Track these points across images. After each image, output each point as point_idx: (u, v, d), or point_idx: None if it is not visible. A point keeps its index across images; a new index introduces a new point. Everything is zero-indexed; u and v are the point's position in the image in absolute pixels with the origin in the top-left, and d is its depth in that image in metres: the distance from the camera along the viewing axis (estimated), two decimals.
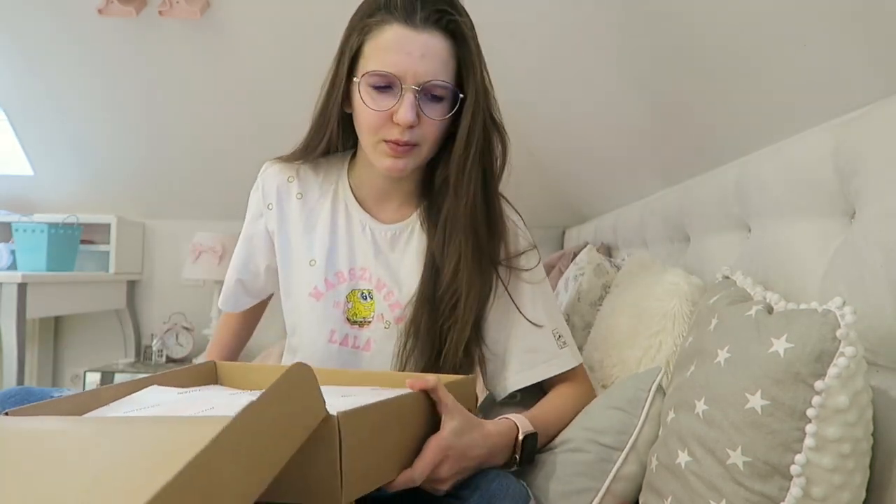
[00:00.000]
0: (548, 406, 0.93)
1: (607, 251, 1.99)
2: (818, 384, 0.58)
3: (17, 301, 2.25)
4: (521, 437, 0.82)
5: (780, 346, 0.60)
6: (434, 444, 0.71)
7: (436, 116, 0.87)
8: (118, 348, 3.01)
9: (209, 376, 0.94)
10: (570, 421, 0.91)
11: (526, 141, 2.28)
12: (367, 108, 0.87)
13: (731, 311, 0.73)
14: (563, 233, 2.90)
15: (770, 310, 0.69)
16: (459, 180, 0.90)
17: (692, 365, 0.74)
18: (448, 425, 0.73)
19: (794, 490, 0.58)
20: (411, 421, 0.71)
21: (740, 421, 0.62)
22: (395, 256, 0.99)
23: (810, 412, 0.58)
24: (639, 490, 0.82)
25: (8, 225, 2.73)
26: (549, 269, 2.05)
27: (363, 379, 0.86)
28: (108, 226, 2.85)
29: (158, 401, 0.73)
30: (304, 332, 1.00)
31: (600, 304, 1.40)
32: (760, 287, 0.78)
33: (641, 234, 1.67)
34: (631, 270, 1.32)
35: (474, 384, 0.89)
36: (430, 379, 0.73)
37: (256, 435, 0.46)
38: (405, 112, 0.84)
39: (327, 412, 0.56)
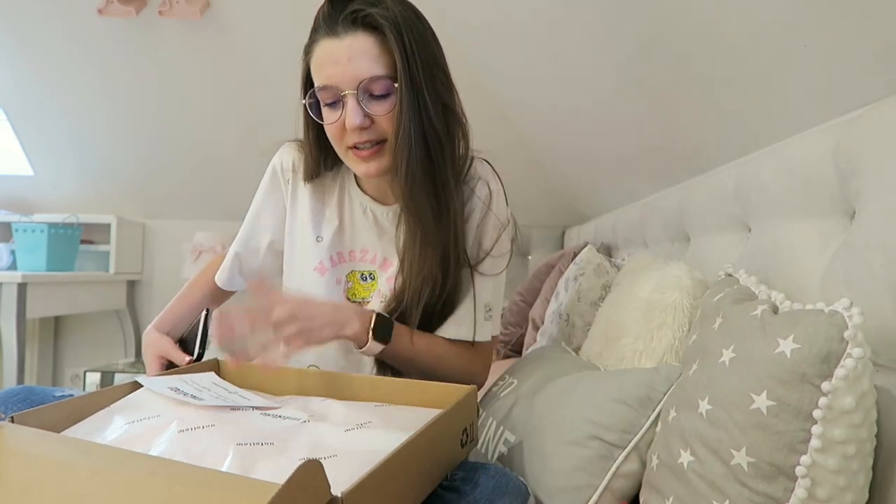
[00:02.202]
0: (431, 339, 0.97)
1: (607, 251, 1.99)
2: (825, 385, 0.57)
3: (17, 301, 2.25)
4: (374, 313, 0.90)
5: (786, 346, 0.60)
6: (277, 301, 0.80)
7: (384, 112, 0.88)
8: (118, 348, 3.01)
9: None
10: (436, 368, 0.95)
11: (526, 140, 2.28)
12: (325, 125, 0.92)
13: (735, 311, 0.73)
14: (563, 233, 2.90)
15: (775, 309, 0.69)
16: (399, 168, 0.90)
17: (695, 363, 0.74)
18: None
19: (799, 491, 0.58)
20: (415, 470, 0.66)
21: (745, 421, 0.62)
22: (399, 234, 1.00)
23: (816, 413, 0.58)
24: (638, 486, 0.81)
25: (8, 225, 2.73)
26: (549, 269, 2.05)
27: (360, 388, 0.86)
28: (108, 226, 2.85)
29: (159, 411, 0.73)
30: None
31: (600, 304, 1.40)
32: (765, 286, 0.78)
33: (641, 234, 1.67)
34: (632, 269, 1.33)
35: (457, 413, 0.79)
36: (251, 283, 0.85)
37: None
38: (350, 117, 0.87)
39: (331, 495, 0.53)
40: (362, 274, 1.02)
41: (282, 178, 1.07)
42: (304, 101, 0.93)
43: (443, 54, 0.93)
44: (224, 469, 0.59)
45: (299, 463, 0.49)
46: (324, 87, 0.88)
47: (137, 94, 2.45)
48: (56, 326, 3.07)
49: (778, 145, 1.00)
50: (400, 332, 0.93)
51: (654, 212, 1.58)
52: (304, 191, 1.05)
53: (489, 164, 1.02)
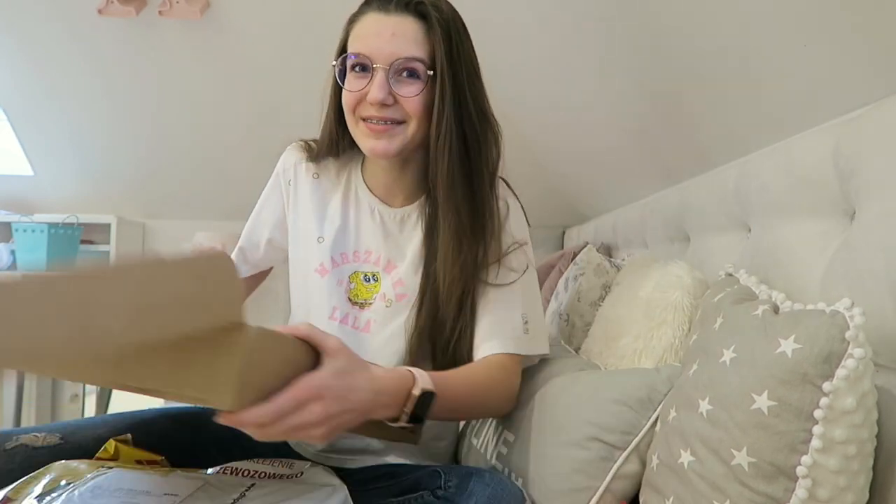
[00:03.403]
0: (465, 374, 0.88)
1: (607, 251, 1.99)
2: (826, 385, 0.57)
3: None
4: (416, 391, 0.74)
5: (787, 346, 0.60)
6: (304, 382, 0.62)
7: (409, 94, 0.88)
8: None
9: None
10: (478, 405, 0.89)
11: (526, 141, 2.28)
12: (344, 90, 0.91)
13: (736, 311, 0.73)
14: (563, 233, 2.90)
15: (776, 309, 0.69)
16: (436, 168, 0.90)
17: (695, 363, 0.74)
18: (329, 364, 0.66)
19: (800, 491, 0.58)
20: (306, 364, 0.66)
21: (746, 421, 0.62)
22: (404, 237, 1.00)
23: (817, 413, 0.57)
24: (637, 486, 0.81)
25: (8, 225, 2.73)
26: (549, 269, 2.05)
27: None
28: (108, 226, 2.85)
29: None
30: (310, 308, 1.02)
31: (600, 304, 1.40)
32: (765, 286, 0.78)
33: (641, 234, 1.67)
34: (632, 269, 1.33)
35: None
36: (301, 327, 0.67)
37: (149, 288, 0.46)
38: (375, 90, 0.86)
39: (246, 322, 0.54)
40: (365, 275, 1.01)
41: (283, 178, 1.07)
42: (334, 64, 0.92)
43: (480, 71, 0.95)
44: None
45: None
46: (358, 54, 0.88)
47: (137, 95, 2.44)
48: None
49: (778, 145, 1.00)
50: (439, 402, 0.78)
51: (654, 212, 1.58)
52: (307, 190, 1.04)
53: (506, 182, 1.02)
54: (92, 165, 2.80)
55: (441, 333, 0.93)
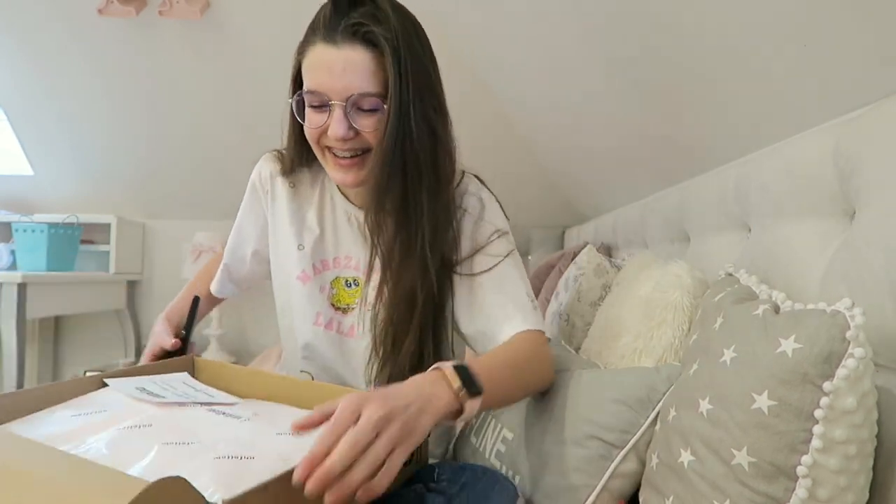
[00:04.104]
0: (499, 351, 0.86)
1: (607, 251, 1.99)
2: (826, 385, 0.57)
3: (17, 301, 2.25)
4: (446, 368, 0.70)
5: (788, 346, 0.60)
6: (346, 397, 0.59)
7: (369, 128, 0.87)
8: (118, 348, 3.01)
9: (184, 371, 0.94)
10: (521, 376, 0.83)
11: (526, 141, 2.28)
12: (305, 126, 0.91)
13: (737, 310, 0.73)
14: (563, 233, 2.90)
15: (777, 309, 0.69)
16: (381, 184, 0.88)
17: (695, 363, 0.74)
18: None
19: (800, 491, 0.58)
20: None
21: (746, 421, 0.62)
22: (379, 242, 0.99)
23: (818, 413, 0.57)
24: (635, 485, 0.81)
25: (8, 225, 2.73)
26: (549, 269, 2.05)
27: (317, 394, 0.82)
28: (108, 226, 2.86)
29: (106, 406, 0.73)
30: (294, 315, 1.04)
31: (600, 304, 1.40)
32: (765, 286, 0.78)
33: (641, 234, 1.67)
34: (632, 268, 1.33)
35: None
36: (314, 415, 0.60)
37: None
38: (334, 128, 0.86)
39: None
40: (347, 280, 1.03)
41: (260, 189, 1.08)
42: (290, 100, 0.92)
43: (439, 77, 0.92)
44: (141, 466, 0.56)
45: (214, 462, 0.47)
46: (313, 92, 0.87)
47: (137, 95, 2.45)
48: (56, 326, 3.07)
49: (778, 145, 1.00)
50: (479, 373, 0.73)
51: (654, 212, 1.58)
52: (284, 199, 1.05)
53: (479, 178, 1.03)
54: (92, 165, 2.80)
55: (404, 336, 0.92)
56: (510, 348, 0.87)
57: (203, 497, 0.48)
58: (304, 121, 0.91)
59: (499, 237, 0.98)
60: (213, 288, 1.20)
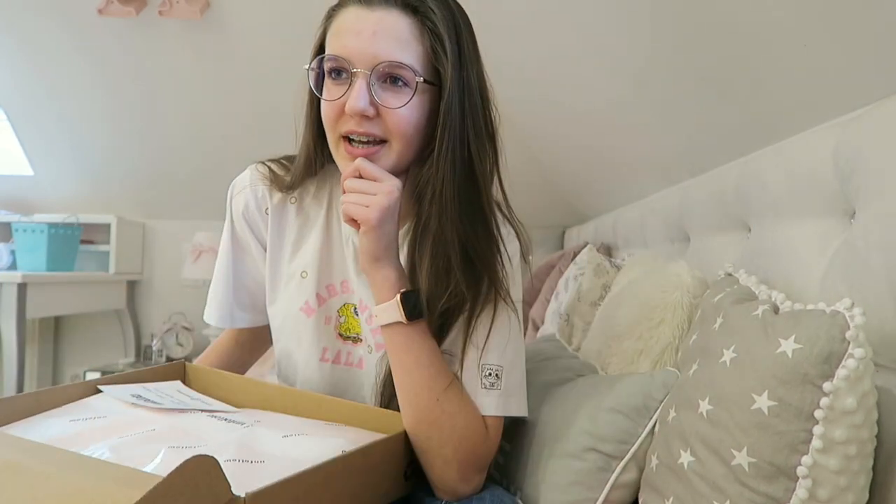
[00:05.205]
0: (444, 375, 0.76)
1: (607, 251, 1.99)
2: (826, 385, 0.57)
3: (17, 301, 2.25)
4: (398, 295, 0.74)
5: (787, 346, 0.60)
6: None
7: (393, 105, 0.74)
8: (118, 348, 3.01)
9: (176, 377, 0.92)
10: (430, 379, 0.75)
11: (526, 141, 2.28)
12: (322, 101, 0.78)
13: (736, 311, 0.73)
14: (563, 233, 2.90)
15: (776, 309, 0.69)
16: (434, 193, 0.76)
17: (695, 363, 0.74)
18: None
19: (800, 491, 0.58)
20: (341, 489, 0.62)
21: (746, 422, 0.62)
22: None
23: (818, 413, 0.58)
24: (635, 493, 0.80)
25: (8, 225, 2.73)
26: (549, 269, 2.05)
27: (330, 410, 0.80)
28: (108, 226, 2.85)
29: (107, 412, 0.72)
30: (296, 350, 0.90)
31: (600, 304, 1.40)
32: (765, 286, 0.78)
33: (641, 234, 1.67)
34: (632, 268, 1.33)
35: (402, 442, 0.74)
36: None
37: None
38: (353, 99, 0.73)
39: (232, 494, 0.50)
40: (356, 307, 0.88)
41: (257, 213, 0.91)
42: (307, 67, 0.78)
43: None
44: (150, 469, 0.56)
45: (224, 465, 0.48)
46: (335, 58, 0.74)
47: (137, 94, 2.45)
48: (56, 326, 3.07)
49: (778, 145, 1.00)
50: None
51: (654, 212, 1.58)
52: (287, 218, 0.90)
53: (508, 212, 0.88)
54: (92, 165, 2.80)
55: None
56: (455, 389, 0.76)
57: (228, 482, 0.49)
58: (320, 95, 0.78)
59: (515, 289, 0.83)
60: (224, 322, 0.98)
